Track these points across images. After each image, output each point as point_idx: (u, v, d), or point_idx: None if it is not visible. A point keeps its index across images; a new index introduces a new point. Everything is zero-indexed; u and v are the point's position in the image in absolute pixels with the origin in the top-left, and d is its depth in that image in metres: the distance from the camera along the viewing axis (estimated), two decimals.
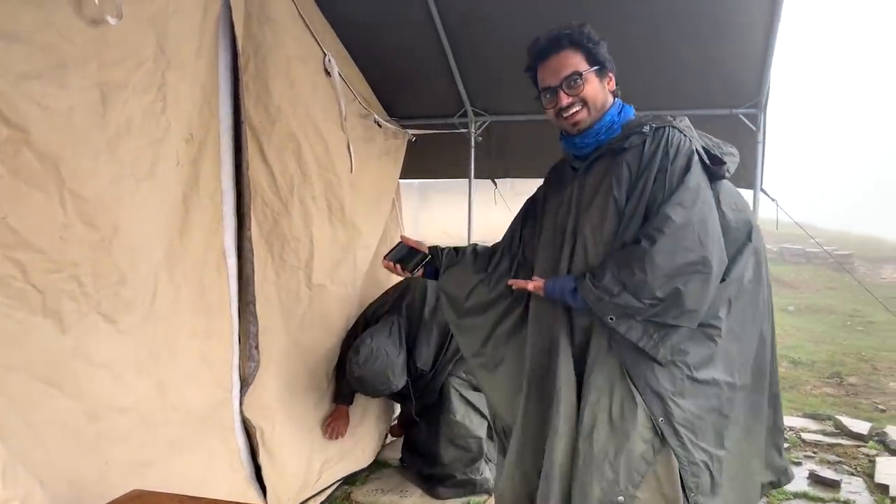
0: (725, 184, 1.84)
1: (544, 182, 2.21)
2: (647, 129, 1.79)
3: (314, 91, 3.07)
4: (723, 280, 1.76)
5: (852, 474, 3.92)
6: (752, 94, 3.77)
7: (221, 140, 2.52)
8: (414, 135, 4.14)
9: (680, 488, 1.75)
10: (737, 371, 1.84)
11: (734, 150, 1.87)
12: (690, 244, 1.66)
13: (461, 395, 3.38)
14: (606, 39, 1.93)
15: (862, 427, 4.75)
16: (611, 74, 1.91)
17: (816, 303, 11.88)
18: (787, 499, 3.54)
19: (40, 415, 1.89)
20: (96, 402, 2.05)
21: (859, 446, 4.43)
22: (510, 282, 2.06)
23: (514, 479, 2.02)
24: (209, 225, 2.50)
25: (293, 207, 2.96)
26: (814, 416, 5.24)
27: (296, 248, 3.01)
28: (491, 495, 3.32)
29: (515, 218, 2.30)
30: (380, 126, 3.72)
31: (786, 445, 2.17)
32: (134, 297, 2.15)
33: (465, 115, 4.53)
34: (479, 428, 3.36)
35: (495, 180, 5.28)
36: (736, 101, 3.83)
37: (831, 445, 4.46)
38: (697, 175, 1.71)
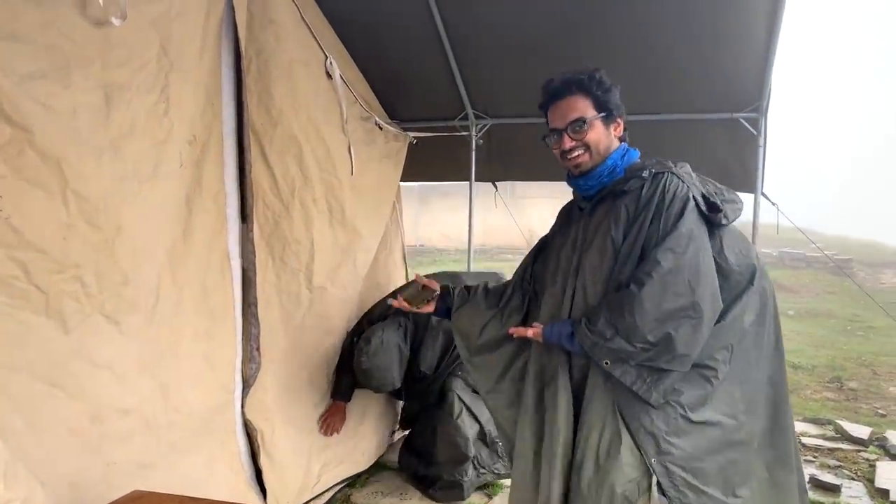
0: (730, 229, 1.87)
1: (556, 220, 2.24)
2: (646, 173, 1.83)
3: (316, 94, 3.08)
4: (720, 321, 1.78)
5: (853, 479, 3.92)
6: (753, 98, 3.78)
7: (225, 142, 2.52)
8: (415, 137, 4.15)
9: None
10: (742, 414, 1.84)
11: (736, 198, 1.89)
12: (681, 289, 1.68)
13: (459, 396, 3.39)
14: (618, 86, 1.97)
15: (862, 432, 4.75)
16: (619, 120, 1.96)
17: (816, 307, 11.89)
18: None
19: (42, 415, 1.88)
20: (98, 404, 2.04)
21: (859, 451, 4.44)
22: (511, 331, 2.09)
23: None
24: (212, 227, 2.50)
25: (294, 210, 2.96)
26: (814, 421, 5.24)
27: (296, 250, 3.01)
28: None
29: (528, 254, 2.35)
30: (381, 129, 3.72)
31: None
32: (136, 298, 2.15)
33: (466, 117, 4.54)
34: (470, 429, 3.38)
35: (496, 183, 5.28)
36: (737, 105, 3.85)
37: (832, 450, 4.46)
38: (691, 221, 1.74)
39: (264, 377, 2.86)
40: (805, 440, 4.64)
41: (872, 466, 4.10)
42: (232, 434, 2.71)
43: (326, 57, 3.12)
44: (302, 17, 2.95)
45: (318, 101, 3.09)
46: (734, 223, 1.88)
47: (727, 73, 3.68)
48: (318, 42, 3.06)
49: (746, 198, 4.08)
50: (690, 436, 1.77)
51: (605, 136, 1.93)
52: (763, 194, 3.98)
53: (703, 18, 3.36)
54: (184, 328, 2.39)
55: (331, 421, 3.35)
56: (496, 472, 3.52)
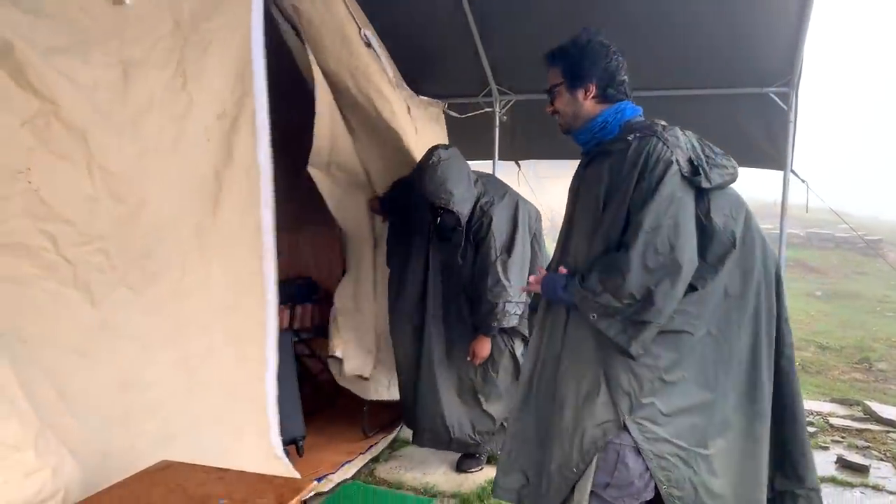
0: (723, 193, 1.94)
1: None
2: (631, 137, 1.91)
3: (370, 58, 3.22)
4: (703, 285, 1.88)
5: (881, 459, 3.87)
6: (784, 72, 3.69)
7: (257, 116, 2.52)
8: (446, 103, 4.21)
9: (617, 474, 1.91)
10: (718, 374, 1.96)
11: (728, 164, 1.94)
12: (661, 247, 1.79)
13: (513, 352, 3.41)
14: (612, 52, 2.03)
15: (891, 413, 4.67)
16: (590, 85, 2.01)
17: (845, 288, 11.70)
18: None
19: (72, 385, 1.91)
20: (126, 374, 2.07)
21: (888, 432, 4.37)
22: (521, 288, 2.28)
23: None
24: (244, 201, 2.50)
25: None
26: (842, 402, 5.17)
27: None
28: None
29: None
30: (416, 96, 3.78)
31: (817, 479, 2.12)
32: (159, 270, 2.17)
33: (489, 93, 4.50)
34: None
35: (519, 163, 5.23)
36: (767, 80, 3.76)
37: (860, 431, 4.40)
38: (672, 184, 1.81)
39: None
40: (833, 420, 4.58)
41: None
42: (262, 408, 2.71)
43: (359, 28, 3.16)
44: None
45: (372, 65, 3.23)
46: (731, 188, 1.97)
47: (757, 47, 3.60)
48: (352, 14, 3.13)
49: (776, 175, 4.04)
50: (663, 394, 1.90)
51: (570, 104, 2.04)
52: (793, 171, 3.90)
53: None
54: (211, 302, 2.40)
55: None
56: None
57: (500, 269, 3.19)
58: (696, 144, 1.92)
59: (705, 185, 1.85)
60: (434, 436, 3.44)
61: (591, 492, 1.93)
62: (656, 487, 1.91)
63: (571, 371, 1.99)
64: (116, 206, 1.98)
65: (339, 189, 3.46)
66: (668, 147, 1.85)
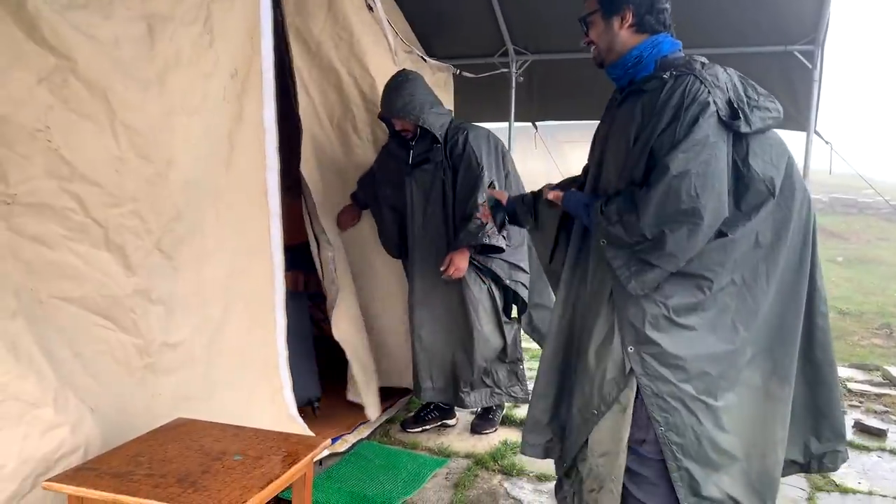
0: (766, 136, 1.83)
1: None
2: (667, 75, 1.80)
3: (361, 25, 3.07)
4: (731, 233, 1.79)
5: None
6: (809, 29, 3.59)
7: (264, 77, 2.50)
8: (458, 69, 4.10)
9: (637, 417, 1.88)
10: (736, 326, 1.87)
11: (771, 106, 1.83)
12: (684, 195, 1.69)
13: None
14: None
15: None
16: (627, 12, 1.91)
17: (867, 254, 11.55)
18: None
19: (91, 346, 1.91)
20: (149, 338, 2.07)
21: None
22: (546, 196, 2.20)
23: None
24: (253, 162, 2.49)
25: (333, 137, 3.02)
26: (861, 367, 5.14)
27: (339, 170, 3.11)
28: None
29: None
30: (425, 61, 3.69)
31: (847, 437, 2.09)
32: (186, 233, 2.16)
33: (506, 54, 4.42)
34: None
35: (535, 124, 5.17)
36: (791, 37, 3.66)
37: (878, 395, 4.37)
38: (708, 126, 1.71)
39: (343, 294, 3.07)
40: (851, 385, 4.56)
41: None
42: (274, 369, 2.75)
43: None
44: None
45: (364, 33, 3.09)
46: (774, 132, 1.87)
47: (782, 3, 3.50)
48: None
49: (798, 137, 3.95)
50: (671, 335, 1.83)
51: (605, 33, 1.94)
52: (816, 133, 3.82)
53: None
54: (225, 264, 2.41)
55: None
56: (513, 394, 3.41)
57: (486, 183, 3.04)
58: (739, 84, 1.81)
59: (745, 129, 1.75)
60: (419, 388, 3.38)
61: (630, 447, 1.89)
62: None
63: (592, 313, 1.97)
64: (145, 166, 1.95)
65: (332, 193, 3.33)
66: (705, 87, 1.73)
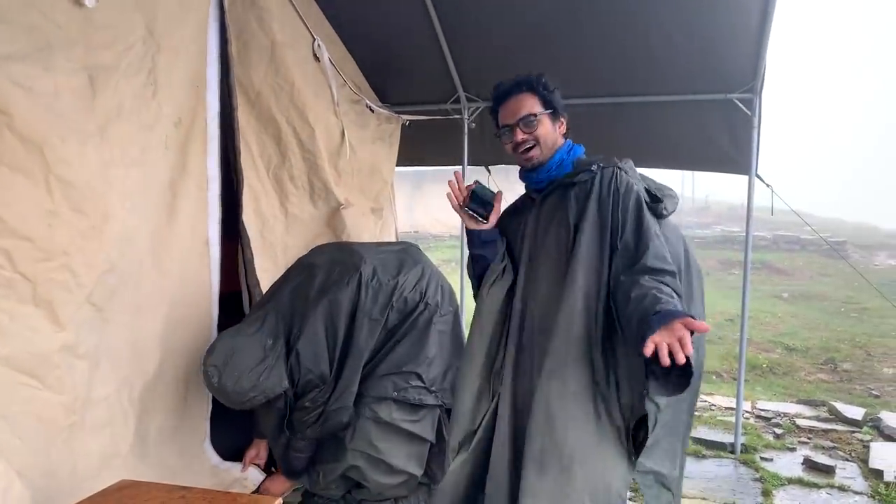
0: (667, 222, 1.98)
1: (503, 214, 2.16)
2: (594, 167, 1.94)
3: (303, 76, 3.05)
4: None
5: (847, 460, 3.93)
6: (748, 78, 3.74)
7: (209, 126, 2.48)
8: (407, 120, 4.11)
9: None
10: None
11: (674, 193, 2.01)
12: (671, 261, 1.81)
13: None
14: (559, 88, 2.05)
15: (856, 413, 4.76)
16: (562, 119, 2.06)
17: (810, 290, 11.92)
18: (782, 485, 3.55)
19: (17, 406, 1.83)
20: (73, 395, 1.99)
21: (854, 432, 4.45)
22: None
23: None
24: (195, 212, 2.46)
25: (269, 186, 3.00)
26: (808, 402, 5.25)
27: (273, 225, 3.05)
28: None
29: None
30: (372, 111, 3.69)
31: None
32: (119, 285, 2.11)
33: (458, 101, 4.50)
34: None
35: (489, 167, 5.25)
36: (732, 85, 3.81)
37: (826, 431, 4.47)
38: (646, 211, 1.86)
39: None
40: (799, 422, 4.65)
41: (866, 447, 4.11)
42: (201, 420, 2.66)
43: (314, 39, 3.07)
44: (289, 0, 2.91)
45: (306, 83, 3.06)
46: (671, 218, 2.01)
47: (721, 53, 3.64)
48: (305, 24, 3.02)
49: (741, 179, 4.09)
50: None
51: (552, 132, 2.03)
52: (757, 176, 3.96)
53: None
54: (164, 316, 2.35)
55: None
56: None
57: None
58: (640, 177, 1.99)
59: (664, 212, 1.92)
60: None
61: None
62: None
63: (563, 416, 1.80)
64: (79, 220, 1.91)
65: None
66: (630, 177, 1.91)
